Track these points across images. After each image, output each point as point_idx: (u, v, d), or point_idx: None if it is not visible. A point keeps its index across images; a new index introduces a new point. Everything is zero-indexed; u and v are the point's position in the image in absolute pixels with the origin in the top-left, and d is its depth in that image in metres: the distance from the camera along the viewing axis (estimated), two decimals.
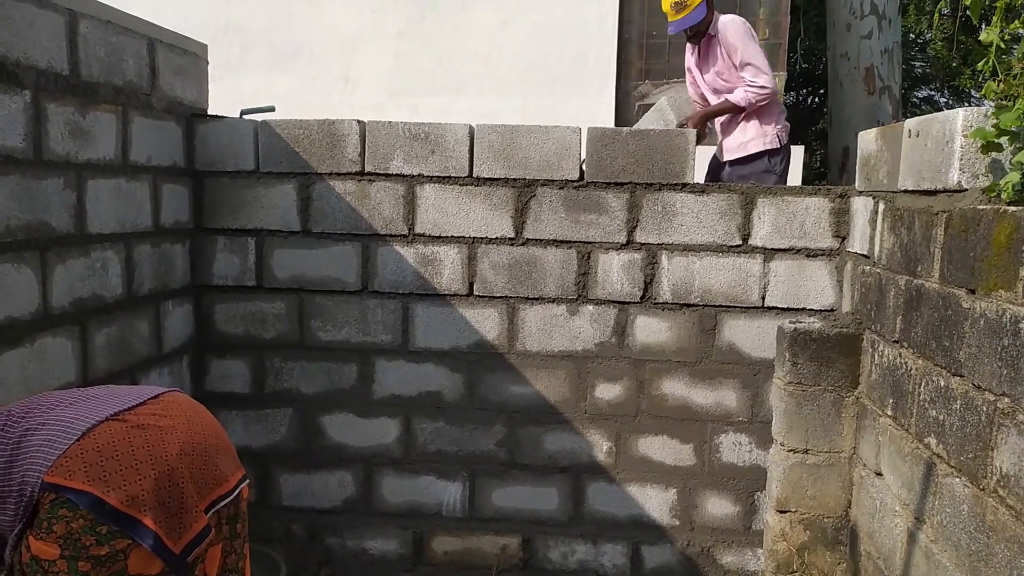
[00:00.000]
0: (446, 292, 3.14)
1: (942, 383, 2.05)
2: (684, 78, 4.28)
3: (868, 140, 2.84)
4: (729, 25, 3.87)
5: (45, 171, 2.28)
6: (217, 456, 1.62)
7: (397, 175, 3.10)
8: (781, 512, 2.85)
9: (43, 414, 1.53)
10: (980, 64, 2.15)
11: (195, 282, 3.20)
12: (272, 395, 3.25)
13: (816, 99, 10.82)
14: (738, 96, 3.86)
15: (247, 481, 1.73)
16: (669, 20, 3.88)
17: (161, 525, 1.45)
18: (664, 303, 3.09)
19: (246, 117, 3.56)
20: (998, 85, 2.00)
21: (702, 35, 3.91)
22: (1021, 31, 2.13)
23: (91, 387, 1.75)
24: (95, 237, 2.52)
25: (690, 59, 4.11)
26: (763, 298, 3.06)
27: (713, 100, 4.02)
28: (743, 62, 3.84)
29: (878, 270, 2.60)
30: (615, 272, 3.09)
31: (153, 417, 1.57)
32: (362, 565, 3.20)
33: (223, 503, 1.61)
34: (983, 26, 2.16)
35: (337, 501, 3.29)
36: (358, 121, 3.10)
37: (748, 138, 3.89)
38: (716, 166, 4.11)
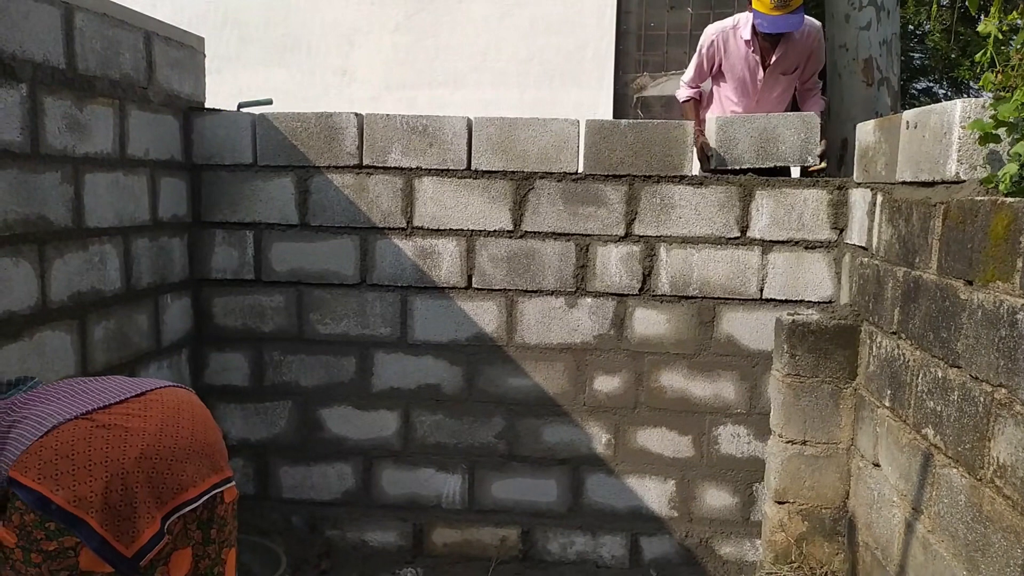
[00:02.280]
0: (445, 285, 3.14)
1: (940, 374, 2.05)
2: (680, 70, 4.23)
3: (866, 132, 2.84)
4: (821, 30, 3.75)
5: (43, 165, 2.27)
6: (186, 461, 1.59)
7: (395, 168, 3.10)
8: (779, 503, 2.86)
9: (33, 406, 1.56)
10: (978, 55, 2.15)
11: (194, 276, 3.20)
12: (271, 388, 3.25)
13: None
14: (821, 105, 3.84)
15: (228, 485, 1.68)
16: (764, 12, 3.53)
17: (108, 528, 1.47)
18: (662, 295, 3.09)
19: (244, 110, 3.55)
20: (996, 76, 2.00)
21: (777, 37, 3.72)
22: (1019, 22, 2.13)
23: (95, 378, 1.75)
24: (93, 231, 2.52)
25: (743, 50, 3.76)
26: (761, 290, 3.06)
27: (750, 98, 3.83)
28: (818, 72, 3.82)
29: (876, 262, 2.60)
30: (613, 264, 3.09)
31: (124, 417, 1.56)
32: (362, 557, 3.21)
33: (186, 509, 1.58)
34: (981, 17, 2.16)
35: (337, 493, 3.30)
36: (356, 114, 3.09)
37: None
38: None
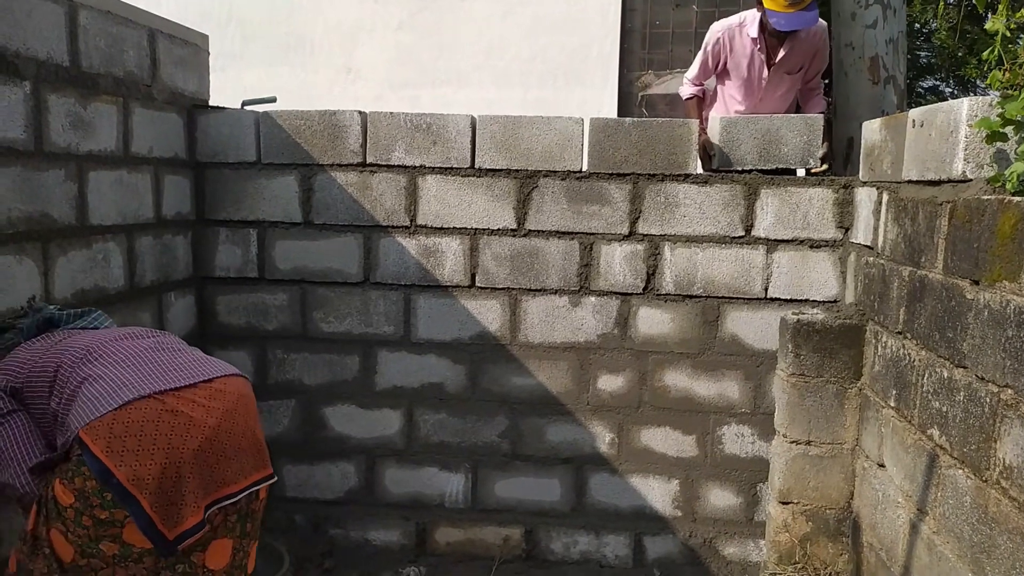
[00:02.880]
0: (448, 283, 3.14)
1: (945, 374, 2.04)
2: (685, 68, 4.21)
3: (872, 130, 2.82)
4: (826, 30, 3.73)
5: (46, 163, 2.27)
6: (235, 457, 1.66)
7: (399, 166, 3.09)
8: (783, 503, 2.85)
9: (107, 361, 1.65)
10: (985, 53, 2.13)
11: (197, 274, 3.20)
12: (275, 386, 3.25)
13: None
14: (823, 106, 3.82)
15: (269, 482, 1.75)
16: (778, 11, 3.50)
17: (157, 510, 1.53)
18: (667, 294, 3.09)
19: (247, 108, 3.55)
20: (1003, 74, 1.98)
21: (786, 35, 3.68)
22: None
23: (162, 343, 1.82)
24: (97, 229, 2.52)
25: (749, 48, 3.74)
26: (766, 289, 3.05)
27: (754, 97, 3.83)
28: (822, 72, 3.81)
29: (882, 261, 2.59)
30: (617, 263, 3.08)
31: (191, 405, 1.63)
32: (365, 556, 3.21)
33: (227, 502, 1.64)
34: (989, 15, 2.14)
35: (340, 492, 3.30)
36: (360, 112, 3.09)
37: None
38: None
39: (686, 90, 3.99)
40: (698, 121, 3.19)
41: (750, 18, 3.75)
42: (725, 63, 3.85)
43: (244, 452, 1.68)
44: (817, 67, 3.84)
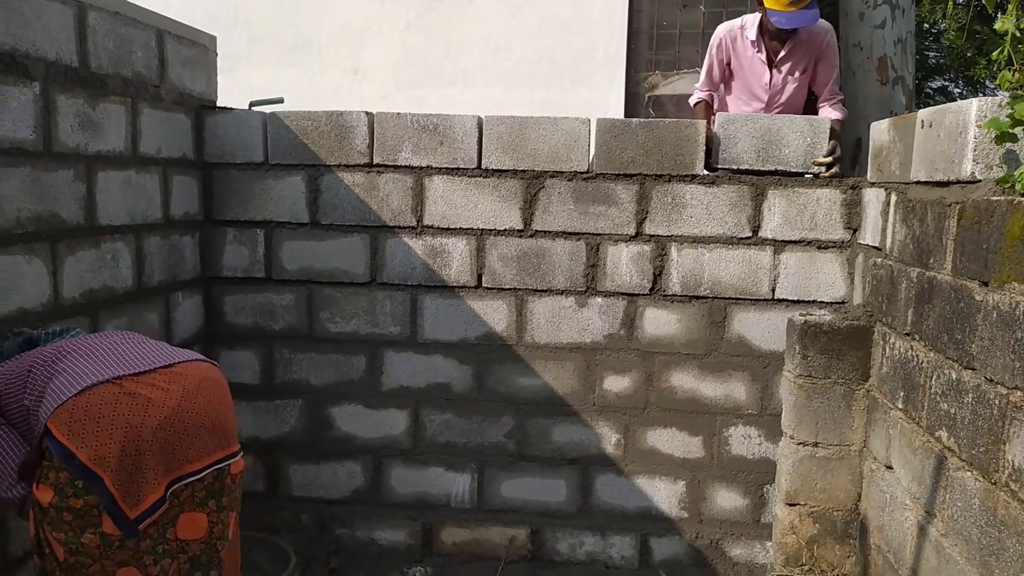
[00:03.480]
0: (455, 284, 3.14)
1: (954, 376, 2.03)
2: (693, 69, 4.21)
3: (881, 131, 2.81)
4: (832, 33, 3.69)
5: (55, 163, 2.28)
6: (195, 436, 1.73)
7: (405, 167, 3.09)
8: (790, 505, 2.84)
9: (73, 358, 1.73)
10: (995, 54, 2.12)
11: (205, 274, 3.21)
12: (281, 386, 3.26)
13: None
14: (840, 112, 3.75)
15: (233, 460, 1.82)
16: (779, 9, 3.49)
17: (119, 488, 1.60)
18: (673, 295, 3.08)
19: (255, 109, 3.56)
20: (1013, 75, 1.97)
21: (788, 34, 3.65)
22: None
23: (130, 338, 1.90)
24: (105, 229, 2.53)
25: (749, 51, 3.74)
26: (773, 290, 3.04)
27: (760, 101, 3.80)
28: (836, 76, 3.75)
29: (890, 262, 2.58)
30: (624, 264, 3.08)
31: (149, 388, 1.71)
32: (371, 555, 3.21)
33: (190, 479, 1.72)
34: (998, 15, 2.13)
35: (346, 492, 3.30)
36: (366, 112, 3.09)
37: None
38: None
39: (694, 96, 3.99)
40: (706, 124, 3.17)
41: (750, 21, 3.78)
42: (730, 65, 3.85)
43: (206, 431, 1.75)
44: (826, 74, 3.78)
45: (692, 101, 4.00)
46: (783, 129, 3.05)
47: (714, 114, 3.95)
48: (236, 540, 1.90)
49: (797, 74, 3.79)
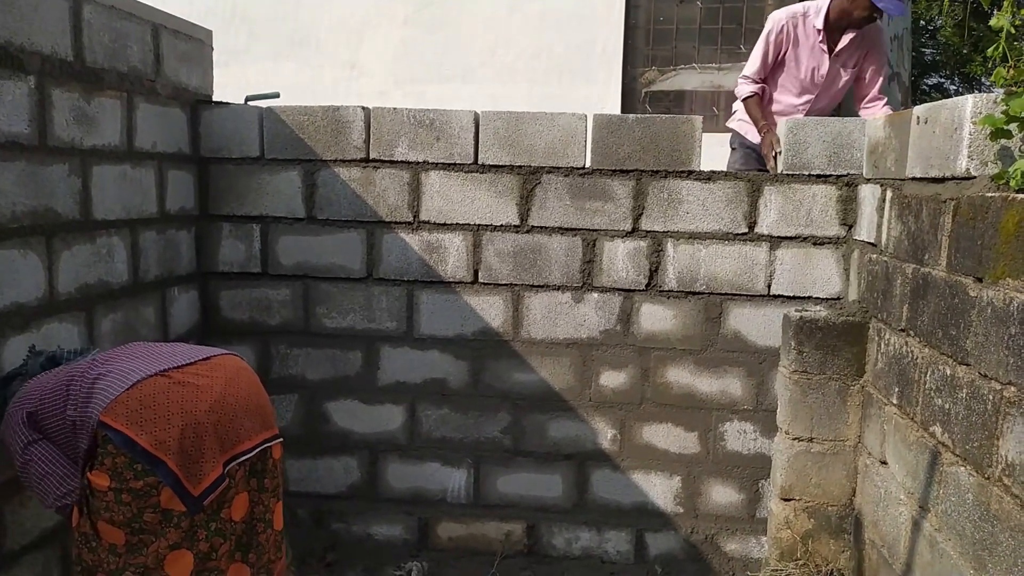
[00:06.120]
0: (451, 279, 3.14)
1: (948, 372, 2.04)
2: (689, 65, 4.20)
3: (876, 127, 2.82)
4: (884, 32, 3.66)
5: (50, 157, 2.28)
6: (245, 416, 1.84)
7: (402, 162, 3.09)
8: (785, 500, 2.85)
9: (115, 362, 1.82)
10: (990, 50, 2.13)
11: (201, 269, 3.21)
12: (277, 381, 3.26)
13: None
14: (888, 110, 3.65)
15: (277, 441, 1.93)
16: None
17: (181, 469, 1.69)
18: (669, 291, 3.08)
19: (251, 104, 3.55)
20: (1008, 71, 1.97)
21: (867, 22, 3.58)
22: None
23: (161, 343, 2.07)
24: (101, 223, 2.53)
25: (812, 39, 3.62)
26: (769, 286, 3.05)
27: (810, 94, 3.72)
28: (886, 73, 3.69)
29: (885, 258, 2.59)
30: (620, 260, 3.08)
31: (195, 376, 1.81)
32: (368, 550, 3.22)
33: (244, 457, 1.82)
34: (994, 12, 2.13)
35: (342, 487, 3.31)
36: (363, 107, 3.09)
37: None
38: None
39: (745, 88, 3.74)
40: (760, 120, 3.08)
41: (814, 9, 3.67)
42: (784, 54, 3.70)
43: (251, 413, 1.86)
44: (876, 70, 3.70)
45: (742, 94, 3.76)
46: (854, 132, 2.94)
47: (765, 106, 3.77)
48: (279, 530, 1.97)
49: (850, 68, 3.73)
